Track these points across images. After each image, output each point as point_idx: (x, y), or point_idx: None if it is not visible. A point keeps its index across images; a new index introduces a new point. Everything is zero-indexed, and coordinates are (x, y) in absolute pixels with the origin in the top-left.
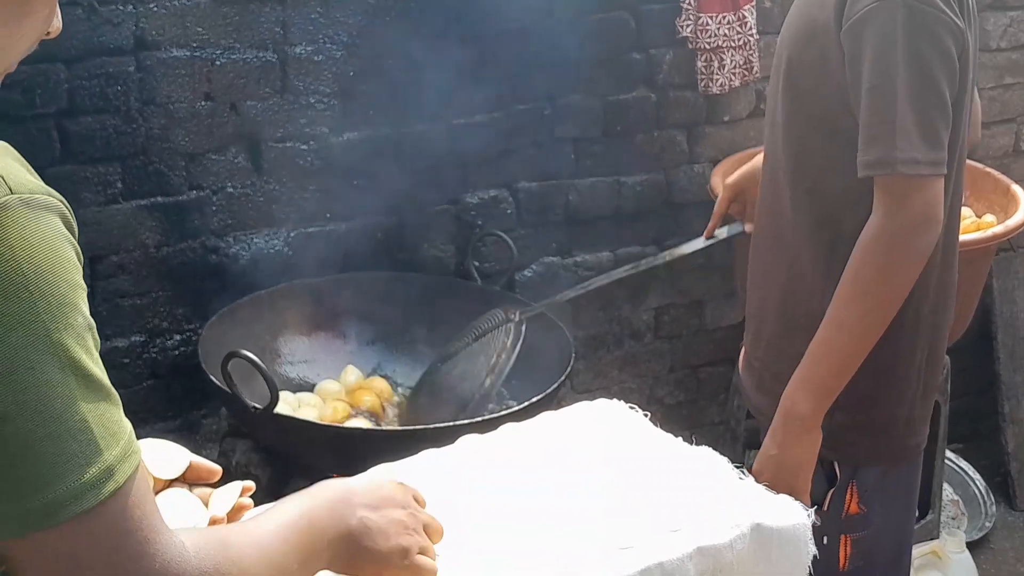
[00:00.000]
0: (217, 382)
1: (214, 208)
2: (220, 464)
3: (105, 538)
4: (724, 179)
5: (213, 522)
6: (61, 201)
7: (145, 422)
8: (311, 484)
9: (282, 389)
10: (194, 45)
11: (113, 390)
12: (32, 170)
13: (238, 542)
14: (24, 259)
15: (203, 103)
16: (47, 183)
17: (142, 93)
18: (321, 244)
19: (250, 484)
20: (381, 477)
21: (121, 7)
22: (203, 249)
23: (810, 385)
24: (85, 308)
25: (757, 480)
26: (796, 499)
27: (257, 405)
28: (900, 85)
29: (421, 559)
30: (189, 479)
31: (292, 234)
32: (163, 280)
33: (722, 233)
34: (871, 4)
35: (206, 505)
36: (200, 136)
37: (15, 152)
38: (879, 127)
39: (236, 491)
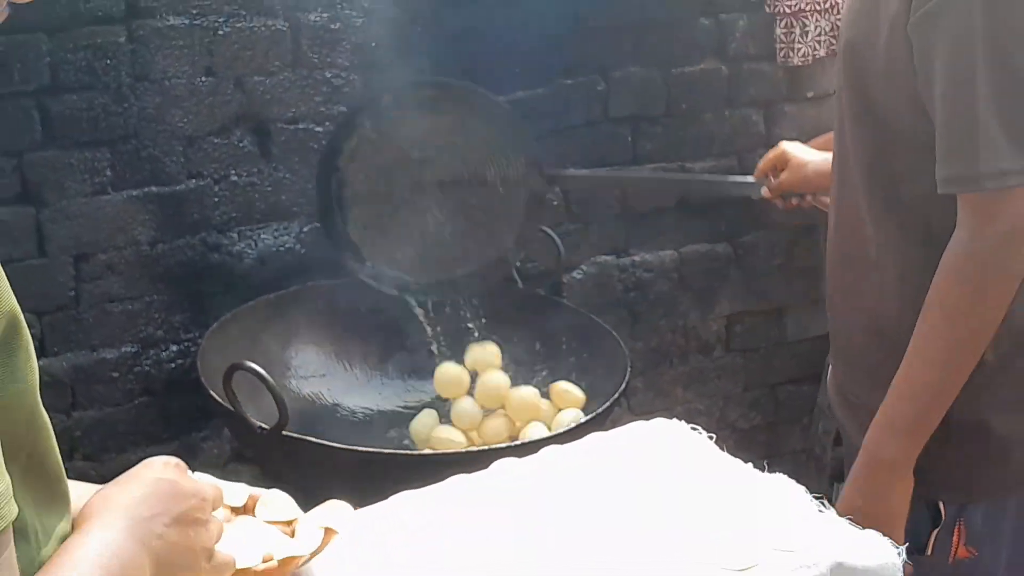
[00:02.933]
0: (219, 399)
1: (216, 200)
2: None
3: None
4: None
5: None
6: None
7: (137, 445)
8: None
9: (292, 407)
10: (194, 12)
11: None
12: None
13: None
14: None
15: (204, 79)
16: (26, 170)
17: (134, 67)
18: (329, 239)
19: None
20: (151, 467)
21: None
22: (203, 247)
23: (897, 426)
24: None
25: None
26: None
27: (264, 425)
28: (980, 85)
29: (221, 556)
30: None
31: (305, 229)
32: (158, 282)
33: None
34: None
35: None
36: (200, 117)
37: None
38: (958, 136)
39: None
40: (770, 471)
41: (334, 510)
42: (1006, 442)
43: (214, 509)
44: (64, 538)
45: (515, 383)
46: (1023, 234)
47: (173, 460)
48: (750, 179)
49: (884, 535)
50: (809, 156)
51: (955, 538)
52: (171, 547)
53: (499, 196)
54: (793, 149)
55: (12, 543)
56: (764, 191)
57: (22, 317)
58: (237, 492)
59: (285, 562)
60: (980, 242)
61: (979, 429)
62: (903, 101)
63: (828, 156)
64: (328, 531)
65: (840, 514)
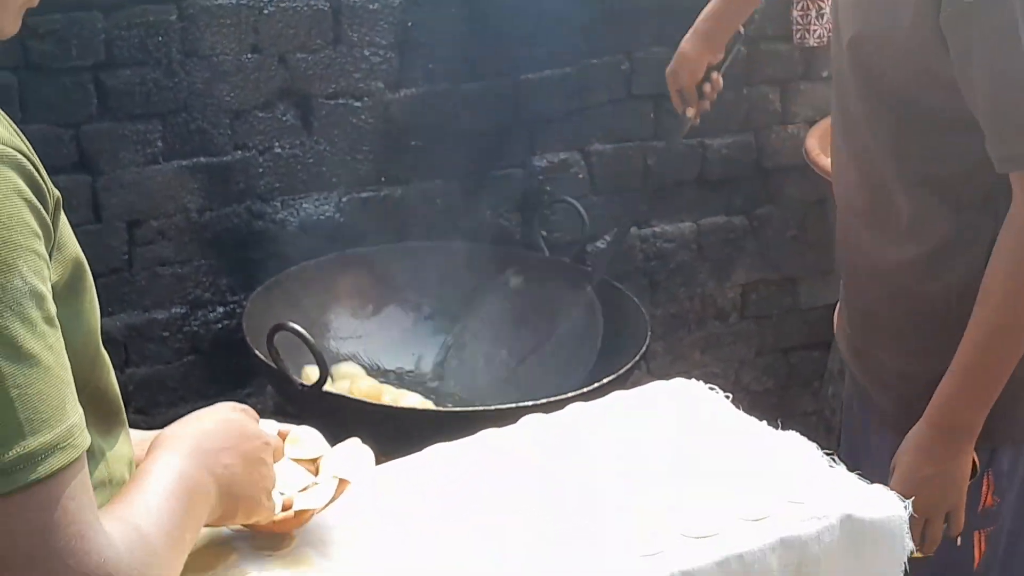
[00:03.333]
0: (263, 357)
1: (260, 170)
2: None
3: (26, 530)
4: (821, 143)
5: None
6: (21, 152)
7: (185, 400)
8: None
9: (332, 364)
10: None
11: (61, 372)
12: (11, 125)
13: (148, 529)
14: None
15: (249, 55)
16: (83, 140)
17: (184, 44)
18: (376, 210)
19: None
20: (222, 408)
21: None
22: (248, 214)
23: (972, 393)
24: (29, 271)
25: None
26: (955, 520)
27: (304, 383)
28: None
29: (273, 500)
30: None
31: (344, 199)
32: (205, 247)
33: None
34: None
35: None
36: (246, 91)
37: None
38: (1011, 119)
39: (349, 449)
40: (782, 430)
41: (354, 456)
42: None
43: (276, 458)
44: (125, 458)
45: None
46: None
47: (241, 405)
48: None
49: (959, 499)
50: (684, 53)
51: (984, 488)
52: (234, 478)
53: None
54: (685, 50)
55: (86, 466)
56: (690, 115)
57: (86, 263)
58: (267, 428)
59: (300, 514)
60: None
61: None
62: (927, 86)
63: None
64: (342, 482)
65: (899, 488)
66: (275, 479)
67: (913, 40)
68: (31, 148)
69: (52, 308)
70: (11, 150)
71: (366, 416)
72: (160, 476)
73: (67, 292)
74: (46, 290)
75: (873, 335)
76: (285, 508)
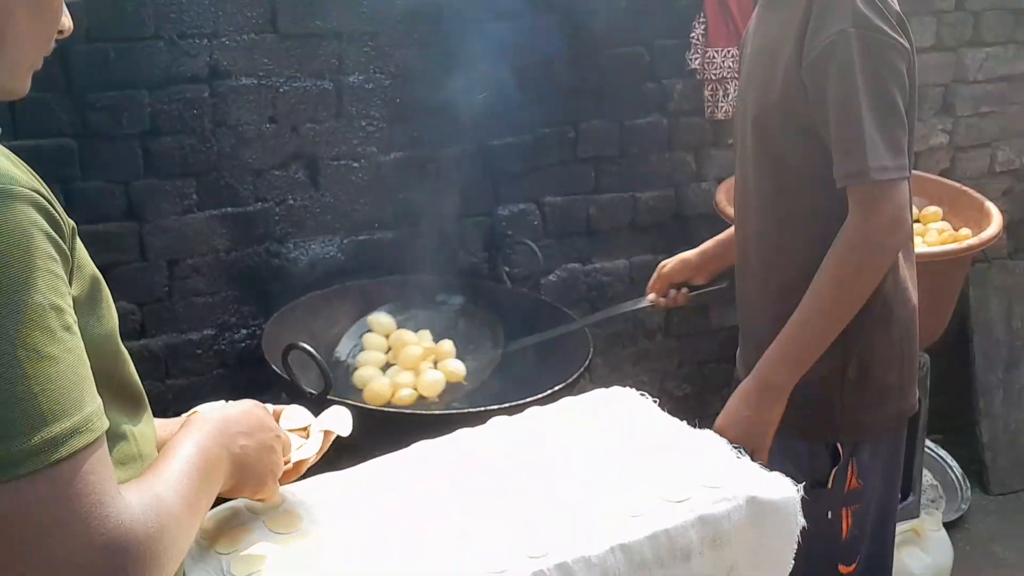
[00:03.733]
0: (278, 370)
1: (276, 218)
2: None
3: (52, 500)
4: (727, 196)
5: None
6: (37, 192)
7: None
8: (353, 461)
9: (333, 376)
10: (261, 74)
11: (79, 369)
12: (18, 163)
13: (166, 493)
14: None
15: (268, 125)
16: (132, 196)
17: (215, 116)
18: (370, 250)
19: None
20: (248, 402)
21: (197, 41)
22: (267, 254)
23: (788, 359)
24: (47, 288)
25: (721, 436)
26: (758, 457)
27: (312, 391)
28: (864, 105)
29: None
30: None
31: (345, 241)
32: (231, 281)
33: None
34: (829, 39)
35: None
36: (265, 154)
37: (6, 151)
38: (850, 143)
39: (334, 413)
40: (698, 428)
41: (336, 416)
42: (883, 388)
43: (284, 452)
44: (150, 437)
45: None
46: (900, 221)
47: (262, 404)
48: (641, 300)
49: (762, 441)
50: (678, 260)
51: (849, 473)
52: (247, 459)
53: None
54: (669, 263)
55: (105, 445)
56: (649, 299)
57: (101, 278)
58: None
59: (299, 464)
60: (868, 225)
61: (866, 381)
62: (797, 139)
63: (696, 251)
64: (327, 433)
65: (720, 424)
66: (281, 466)
67: (786, 92)
68: (46, 187)
69: (70, 318)
70: (28, 190)
71: (363, 417)
72: (183, 449)
73: (87, 302)
74: (64, 304)
75: (749, 342)
76: (286, 462)
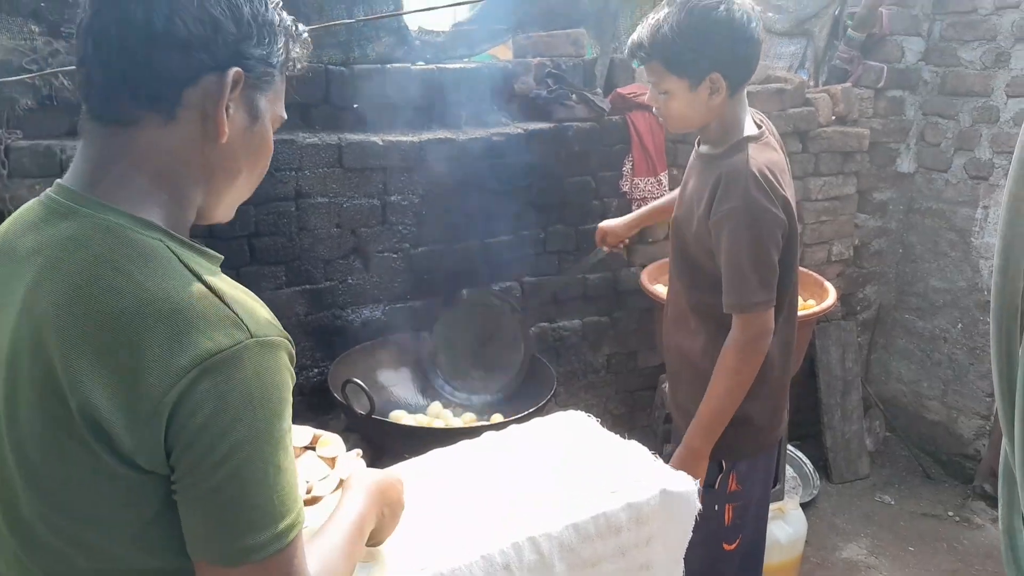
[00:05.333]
0: (339, 398)
1: (340, 292)
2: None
3: (280, 573)
4: (648, 277)
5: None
6: (285, 338)
7: (301, 423)
8: (391, 461)
9: (378, 402)
10: (331, 195)
11: (296, 477)
12: (259, 301)
13: (335, 556)
14: (254, 385)
15: (335, 229)
16: (241, 280)
17: (299, 223)
18: (404, 314)
19: (359, 451)
20: (395, 476)
21: (287, 172)
22: (332, 317)
23: (701, 432)
24: (287, 415)
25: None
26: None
27: (362, 412)
28: (745, 258)
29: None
30: (316, 447)
31: (387, 308)
32: (308, 335)
33: (599, 253)
34: (727, 208)
35: (328, 463)
36: (332, 249)
37: (249, 292)
38: (733, 284)
39: (352, 457)
40: (629, 438)
41: (354, 460)
42: (753, 424)
43: (400, 511)
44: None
45: None
46: (766, 332)
47: (402, 484)
48: (597, 251)
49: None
50: (615, 223)
51: (730, 480)
52: (384, 521)
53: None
54: (606, 224)
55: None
56: (603, 250)
57: None
58: (303, 434)
59: (315, 497)
60: (744, 337)
61: (744, 423)
62: (705, 257)
63: (626, 218)
64: (343, 481)
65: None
66: (396, 526)
67: (700, 229)
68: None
69: (292, 437)
70: (282, 337)
71: (396, 430)
72: (354, 515)
73: None
74: (290, 426)
75: (676, 390)
76: (308, 491)
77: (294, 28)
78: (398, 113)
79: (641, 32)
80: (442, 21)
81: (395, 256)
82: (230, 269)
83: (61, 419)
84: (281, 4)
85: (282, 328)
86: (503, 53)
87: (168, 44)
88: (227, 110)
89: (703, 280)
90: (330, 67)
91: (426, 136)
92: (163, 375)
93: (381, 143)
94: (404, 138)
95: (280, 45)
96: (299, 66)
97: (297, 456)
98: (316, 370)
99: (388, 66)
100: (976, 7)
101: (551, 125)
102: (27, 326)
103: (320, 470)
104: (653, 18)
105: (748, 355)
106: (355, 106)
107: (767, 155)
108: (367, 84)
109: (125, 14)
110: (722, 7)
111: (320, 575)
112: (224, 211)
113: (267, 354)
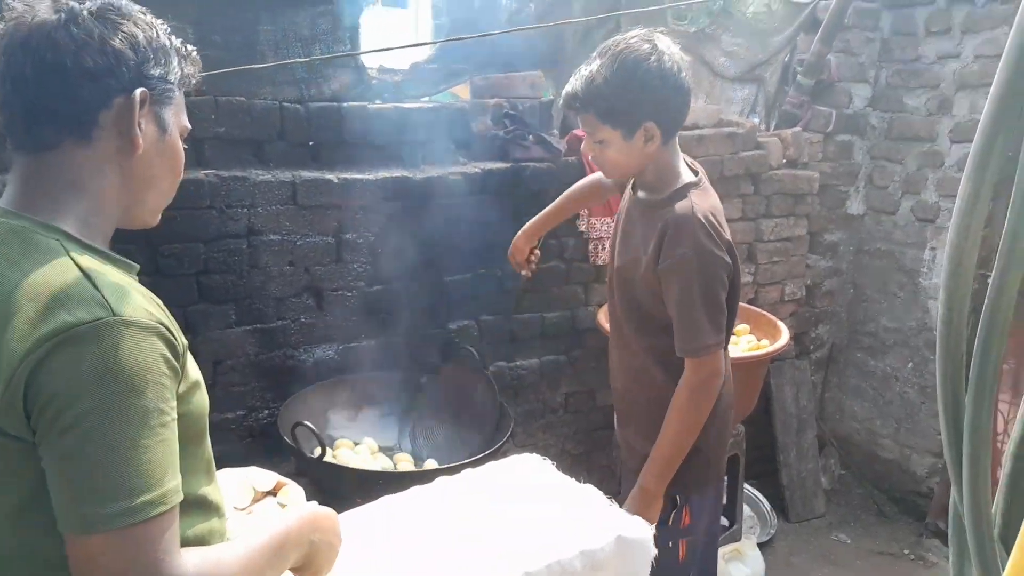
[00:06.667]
0: (288, 441)
1: (292, 331)
2: None
3: (124, 553)
4: (605, 316)
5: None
6: (161, 323)
7: (245, 464)
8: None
9: (328, 445)
10: (284, 232)
11: (167, 457)
12: (151, 300)
13: (229, 558)
14: (109, 359)
15: (288, 267)
16: (187, 320)
17: (251, 261)
18: (358, 354)
19: (315, 503)
20: (329, 509)
21: (239, 210)
22: (284, 357)
23: (656, 473)
24: (154, 396)
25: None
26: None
27: (313, 455)
28: (697, 301)
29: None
30: (277, 492)
31: (340, 347)
32: (259, 376)
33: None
34: (676, 255)
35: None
36: (285, 287)
37: (149, 295)
38: (685, 329)
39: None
40: (586, 481)
41: (294, 491)
42: (703, 454)
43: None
44: (217, 492)
45: None
46: (718, 373)
47: (336, 518)
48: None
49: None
50: (515, 239)
51: (684, 513)
52: (318, 551)
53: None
54: (517, 240)
55: (176, 514)
56: (523, 274)
57: (201, 381)
58: (268, 479)
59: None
60: (697, 379)
61: (695, 458)
62: (653, 301)
63: (526, 226)
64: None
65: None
66: (333, 566)
67: (648, 274)
68: (170, 317)
69: (168, 418)
70: (155, 323)
71: (347, 475)
72: (271, 527)
73: (187, 396)
74: (167, 407)
75: (626, 429)
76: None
77: (184, 49)
78: (354, 151)
79: (575, 83)
80: (402, 60)
81: (349, 295)
82: (177, 307)
83: None
84: (169, 30)
85: (163, 322)
86: (462, 93)
87: (79, 76)
88: (139, 126)
89: (652, 325)
90: (285, 104)
91: (382, 174)
92: (23, 343)
93: (336, 180)
94: (360, 176)
95: (175, 64)
96: (193, 81)
97: (258, 500)
98: (266, 411)
99: (344, 104)
100: (919, 56)
101: (508, 165)
102: None
103: (276, 515)
104: (586, 69)
105: (702, 397)
106: (310, 143)
107: (709, 201)
108: (323, 122)
109: (36, 57)
110: (652, 58)
111: (201, 572)
112: (149, 216)
113: (128, 333)
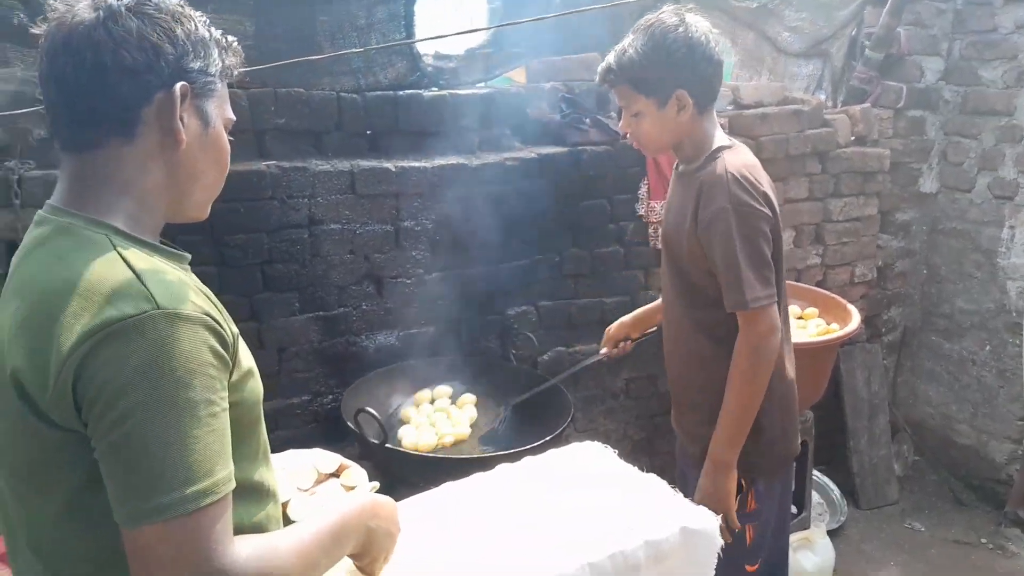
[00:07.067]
0: (351, 426)
1: (353, 319)
2: None
3: (177, 541)
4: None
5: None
6: (208, 315)
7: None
8: (406, 490)
9: (390, 430)
10: (343, 221)
11: (217, 447)
12: (200, 290)
13: (284, 546)
14: (155, 352)
15: (348, 255)
16: (252, 308)
17: (312, 250)
18: (419, 340)
19: (376, 484)
20: (386, 498)
21: (300, 200)
22: (346, 343)
23: (728, 441)
24: (201, 387)
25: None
26: (729, 519)
27: (375, 440)
28: (740, 257)
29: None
30: (340, 474)
31: (400, 334)
32: (322, 362)
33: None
34: (713, 212)
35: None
36: (346, 275)
37: (199, 285)
38: (732, 283)
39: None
40: (648, 467)
41: (357, 473)
42: (767, 435)
43: (393, 543)
44: (272, 477)
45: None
46: (774, 330)
47: (395, 507)
48: (596, 355)
49: (727, 504)
50: (616, 325)
51: (749, 498)
52: (375, 538)
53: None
54: (612, 326)
55: (229, 503)
56: (603, 352)
57: (255, 369)
58: (331, 461)
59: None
60: (752, 338)
61: (758, 433)
62: (700, 272)
63: (630, 316)
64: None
65: (699, 498)
66: (392, 553)
67: (691, 241)
68: (219, 307)
69: (217, 408)
70: (202, 315)
71: (409, 460)
72: (327, 515)
73: (240, 384)
74: (216, 398)
75: (681, 414)
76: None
77: (224, 40)
78: (411, 139)
79: (609, 58)
80: (457, 46)
81: (408, 282)
82: (242, 296)
83: (4, 385)
84: (208, 21)
85: (210, 313)
86: (519, 78)
87: (119, 74)
88: (181, 120)
89: (700, 298)
90: (342, 94)
91: (439, 162)
92: (70, 338)
93: (394, 169)
94: (417, 164)
95: (215, 56)
96: (235, 72)
97: (321, 482)
98: (330, 396)
99: (400, 92)
100: (996, 26)
101: (565, 149)
102: (2, 315)
103: (339, 496)
104: (619, 45)
105: (760, 354)
106: (368, 132)
107: (742, 158)
108: (379, 111)
109: (77, 58)
110: (680, 29)
111: (253, 560)
112: (196, 210)
113: (174, 325)
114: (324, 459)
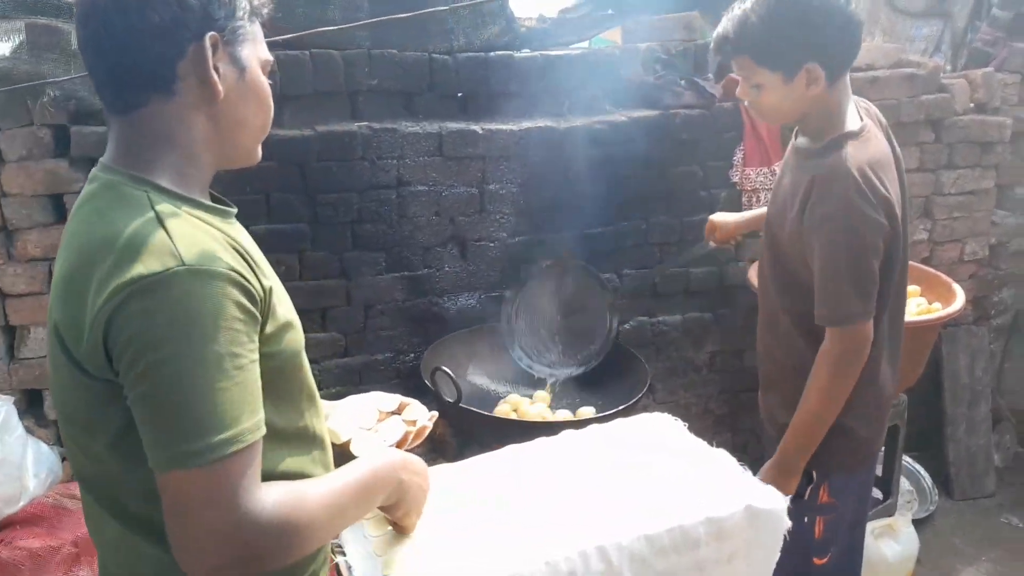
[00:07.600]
0: (429, 384)
1: (437, 280)
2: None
3: (205, 487)
4: (756, 274)
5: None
6: (233, 270)
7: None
8: (478, 448)
9: (466, 390)
10: (431, 183)
11: (244, 397)
12: (228, 247)
13: (313, 493)
14: (180, 307)
15: (434, 217)
16: (342, 266)
17: (399, 211)
18: (499, 304)
19: (435, 414)
20: (417, 457)
21: (389, 161)
22: (429, 304)
23: (795, 446)
24: (226, 341)
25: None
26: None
27: (450, 399)
28: (843, 269)
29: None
30: (401, 412)
31: (482, 296)
32: (406, 321)
33: (706, 247)
34: (823, 214)
35: (410, 426)
36: (432, 237)
37: (236, 241)
38: (826, 296)
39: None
40: (730, 443)
41: (421, 411)
42: (852, 435)
43: (424, 499)
44: (318, 421)
45: None
46: (862, 347)
47: (423, 461)
48: (702, 245)
49: (786, 491)
50: (727, 219)
51: (821, 491)
52: (408, 487)
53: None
54: (717, 217)
55: (258, 450)
56: (710, 244)
57: (293, 318)
58: (392, 400)
59: (400, 443)
60: (838, 350)
61: (835, 436)
62: (798, 261)
63: (739, 216)
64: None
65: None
66: (421, 506)
67: (792, 232)
68: (254, 263)
69: (245, 360)
70: (228, 271)
71: (481, 420)
72: (359, 466)
73: (277, 336)
74: (243, 351)
75: (768, 398)
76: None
77: None
78: (501, 101)
79: (726, 24)
80: (552, 7)
81: (492, 245)
82: (333, 254)
83: (52, 336)
84: None
85: (237, 269)
86: (615, 38)
87: (149, 33)
88: (216, 70)
89: (796, 286)
90: (434, 55)
91: (526, 125)
92: (101, 292)
93: (481, 131)
94: (504, 126)
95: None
96: (266, 10)
97: (383, 420)
98: (412, 355)
99: (491, 54)
100: None
101: (657, 113)
102: (56, 269)
103: (401, 432)
104: (739, 7)
105: (843, 369)
106: (459, 95)
107: (868, 152)
108: (470, 73)
109: (105, 22)
110: None
111: (280, 506)
112: (246, 155)
113: (200, 280)
114: (385, 399)
